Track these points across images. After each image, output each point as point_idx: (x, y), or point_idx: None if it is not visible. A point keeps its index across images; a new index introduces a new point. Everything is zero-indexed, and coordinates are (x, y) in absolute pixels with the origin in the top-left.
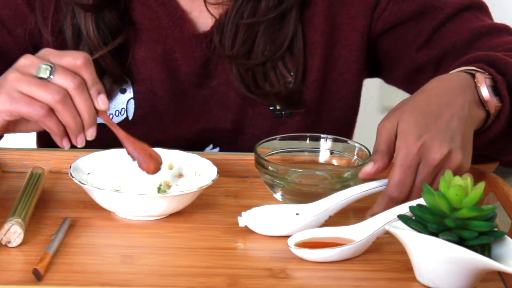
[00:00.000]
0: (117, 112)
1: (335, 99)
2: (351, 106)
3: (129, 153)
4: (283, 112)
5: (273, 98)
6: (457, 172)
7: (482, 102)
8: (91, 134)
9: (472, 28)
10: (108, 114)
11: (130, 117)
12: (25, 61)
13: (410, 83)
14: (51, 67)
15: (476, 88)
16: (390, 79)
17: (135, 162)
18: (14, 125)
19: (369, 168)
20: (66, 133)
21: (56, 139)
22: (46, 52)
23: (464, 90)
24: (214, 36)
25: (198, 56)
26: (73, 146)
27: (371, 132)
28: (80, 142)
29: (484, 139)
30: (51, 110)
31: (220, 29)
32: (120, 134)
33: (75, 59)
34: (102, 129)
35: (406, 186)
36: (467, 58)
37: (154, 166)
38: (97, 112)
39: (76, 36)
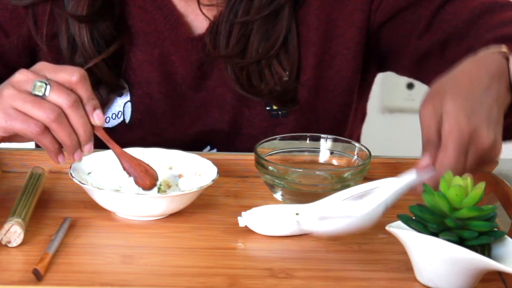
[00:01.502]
0: (114, 115)
1: (331, 96)
2: (347, 102)
3: (125, 169)
4: (280, 112)
5: (267, 96)
6: (494, 160)
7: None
8: (88, 150)
9: (472, 7)
10: (106, 118)
11: (127, 120)
12: (21, 76)
13: (418, 70)
14: (46, 84)
15: (509, 72)
16: (398, 70)
17: (131, 178)
18: (8, 138)
19: (426, 161)
20: (61, 150)
21: (51, 155)
22: (41, 66)
23: (501, 75)
24: (208, 37)
25: (194, 58)
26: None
27: (372, 132)
28: (77, 158)
29: (505, 124)
30: (46, 128)
31: (214, 30)
32: (116, 150)
33: (71, 75)
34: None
35: (459, 168)
36: (494, 36)
37: (150, 182)
38: (93, 127)
39: (71, 46)
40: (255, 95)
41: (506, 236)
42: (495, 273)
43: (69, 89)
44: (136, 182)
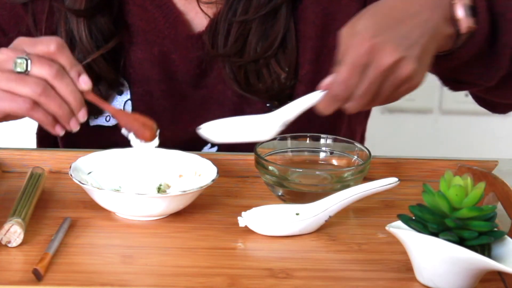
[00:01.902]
0: None
1: None
2: None
3: (123, 126)
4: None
5: (264, 95)
6: (406, 83)
7: (454, 20)
8: (82, 116)
9: None
10: (106, 116)
11: None
12: (1, 56)
13: None
14: (26, 59)
15: (451, 5)
16: None
17: (131, 134)
18: (2, 118)
19: (328, 79)
20: (57, 121)
21: (48, 128)
22: (19, 41)
23: (436, 5)
24: (206, 35)
25: (194, 56)
26: (67, 133)
27: (372, 132)
28: (74, 127)
29: (459, 60)
30: (35, 103)
31: (213, 28)
32: (111, 109)
33: (48, 46)
34: (102, 130)
35: (351, 85)
36: None
37: (150, 133)
38: (82, 93)
39: (69, 41)
40: (252, 94)
41: (506, 236)
42: (495, 273)
43: (50, 60)
44: (137, 136)
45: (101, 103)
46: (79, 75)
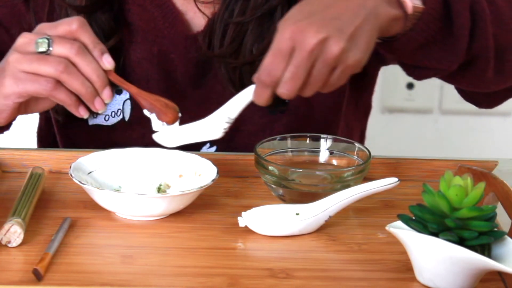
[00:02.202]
0: (113, 113)
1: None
2: (339, 93)
3: (145, 107)
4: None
5: None
6: (340, 64)
7: (400, 2)
8: (107, 95)
9: None
10: (105, 115)
11: (127, 118)
12: (23, 39)
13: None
14: (48, 39)
15: None
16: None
17: (153, 115)
18: (25, 106)
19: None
20: (80, 102)
21: (72, 109)
22: (41, 26)
23: None
24: (202, 36)
25: (193, 56)
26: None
27: (371, 132)
28: (99, 107)
29: (413, 43)
30: (58, 82)
31: (209, 28)
32: (133, 90)
33: (70, 25)
34: (101, 129)
35: (275, 70)
36: None
37: (172, 115)
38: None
39: None
40: None
41: (506, 236)
42: (495, 273)
43: (72, 39)
44: (159, 118)
45: (123, 83)
46: (102, 53)
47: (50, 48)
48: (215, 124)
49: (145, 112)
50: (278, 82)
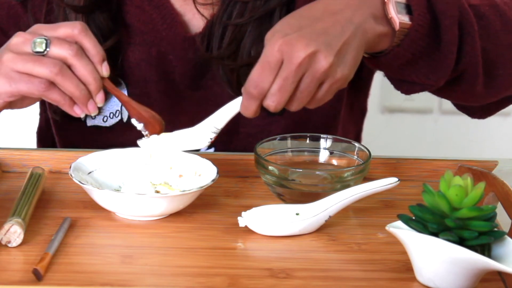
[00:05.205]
0: (111, 114)
1: None
2: (337, 98)
3: (133, 116)
4: None
5: None
6: (327, 78)
7: (388, 19)
8: (100, 99)
9: None
10: (103, 116)
11: (125, 119)
12: (17, 39)
13: None
14: (45, 39)
15: (383, 3)
16: None
17: (141, 125)
18: (16, 102)
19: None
20: (74, 102)
21: (66, 109)
22: (37, 27)
23: (363, 4)
24: (200, 37)
25: (191, 57)
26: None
27: (372, 132)
28: (92, 110)
29: (400, 59)
30: (52, 83)
31: (208, 30)
32: (123, 97)
33: (72, 28)
34: (99, 130)
35: (263, 82)
36: None
37: (159, 127)
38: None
39: None
40: None
41: (506, 236)
42: (495, 273)
43: (70, 42)
44: (146, 128)
45: (116, 91)
46: (102, 60)
47: (48, 49)
48: (202, 133)
49: (133, 121)
50: (265, 94)
